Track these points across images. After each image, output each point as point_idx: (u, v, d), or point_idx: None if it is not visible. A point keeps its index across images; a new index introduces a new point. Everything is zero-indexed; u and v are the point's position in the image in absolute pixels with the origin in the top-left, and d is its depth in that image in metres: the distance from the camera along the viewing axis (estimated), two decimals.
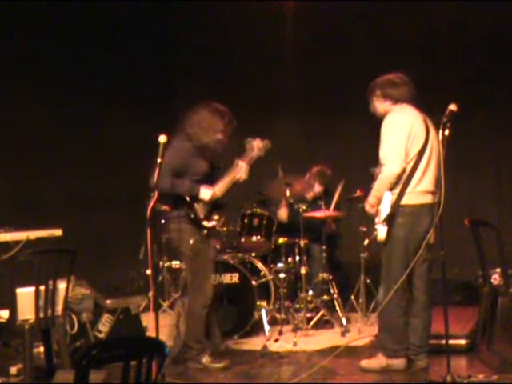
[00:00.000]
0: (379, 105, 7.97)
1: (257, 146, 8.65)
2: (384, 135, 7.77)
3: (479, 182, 11.14)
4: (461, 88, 10.99)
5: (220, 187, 8.48)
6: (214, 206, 8.51)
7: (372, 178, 8.69)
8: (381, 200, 7.87)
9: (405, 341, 8.01)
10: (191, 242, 8.37)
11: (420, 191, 7.71)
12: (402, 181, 7.72)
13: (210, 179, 8.48)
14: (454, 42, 11.78)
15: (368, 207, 8.11)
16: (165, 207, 8.90)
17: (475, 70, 11.70)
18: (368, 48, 11.95)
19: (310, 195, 11.03)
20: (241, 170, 8.54)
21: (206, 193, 8.33)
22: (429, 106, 7.84)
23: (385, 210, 7.83)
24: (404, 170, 7.65)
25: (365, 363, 8.12)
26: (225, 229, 9.54)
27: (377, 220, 7.99)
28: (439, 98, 8.05)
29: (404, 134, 7.67)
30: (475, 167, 11.13)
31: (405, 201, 7.71)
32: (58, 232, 8.80)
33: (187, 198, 8.33)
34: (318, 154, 11.43)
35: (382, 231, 7.84)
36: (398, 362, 7.92)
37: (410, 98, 7.95)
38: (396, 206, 7.72)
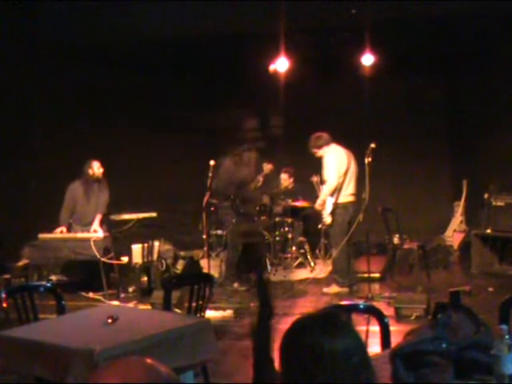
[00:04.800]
0: (320, 152, 8.06)
1: (268, 168, 9.04)
2: (327, 165, 7.97)
3: (389, 185, 10.78)
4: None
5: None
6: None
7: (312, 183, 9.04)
8: (326, 202, 8.09)
9: (347, 277, 8.12)
10: (234, 220, 8.72)
11: (347, 194, 7.92)
12: (337, 190, 7.92)
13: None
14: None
15: (318, 206, 8.25)
16: (214, 200, 9.07)
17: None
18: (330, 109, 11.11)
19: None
20: (259, 181, 8.90)
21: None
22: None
23: (329, 207, 8.01)
24: (338, 184, 7.89)
25: (325, 290, 8.21)
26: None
27: (324, 213, 8.16)
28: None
29: (337, 164, 7.88)
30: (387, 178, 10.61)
31: (339, 200, 7.93)
32: (154, 214, 8.76)
33: (232, 196, 8.63)
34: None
35: (328, 219, 8.07)
36: (345, 289, 8.05)
37: (331, 140, 8.07)
38: (335, 204, 7.94)
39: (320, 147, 8.07)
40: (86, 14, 8.23)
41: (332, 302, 7.09)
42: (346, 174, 7.93)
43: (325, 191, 8.11)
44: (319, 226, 8.50)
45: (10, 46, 8.57)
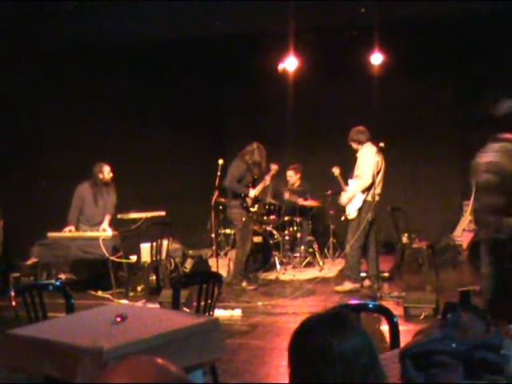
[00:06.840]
0: (360, 147, 8.04)
1: (274, 168, 9.04)
2: (365, 163, 7.91)
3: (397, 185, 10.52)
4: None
5: (257, 190, 8.70)
6: (256, 200, 8.69)
7: (332, 176, 9.01)
8: (353, 197, 8.06)
9: (359, 273, 8.17)
10: (243, 219, 8.68)
11: (376, 194, 7.85)
12: (368, 188, 7.89)
13: (253, 185, 8.64)
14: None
15: (345, 200, 8.20)
16: (222, 199, 9.06)
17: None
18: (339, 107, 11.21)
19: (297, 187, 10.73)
20: (267, 180, 8.83)
21: (252, 193, 8.52)
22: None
23: (357, 202, 7.99)
24: (371, 182, 7.81)
25: (338, 288, 8.20)
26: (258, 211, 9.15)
27: (348, 207, 8.13)
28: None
29: (374, 163, 7.81)
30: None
31: (368, 198, 7.89)
32: (163, 213, 8.85)
33: (242, 195, 8.59)
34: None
35: (353, 213, 8.03)
36: (358, 285, 8.08)
37: (369, 137, 8.09)
38: (364, 201, 7.93)
39: (362, 143, 8.08)
40: (91, 13, 8.24)
41: (341, 302, 7.09)
42: (378, 173, 7.93)
43: (357, 187, 8.06)
44: (342, 218, 8.43)
45: (17, 47, 8.60)
